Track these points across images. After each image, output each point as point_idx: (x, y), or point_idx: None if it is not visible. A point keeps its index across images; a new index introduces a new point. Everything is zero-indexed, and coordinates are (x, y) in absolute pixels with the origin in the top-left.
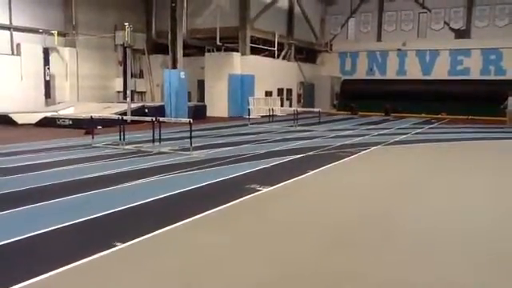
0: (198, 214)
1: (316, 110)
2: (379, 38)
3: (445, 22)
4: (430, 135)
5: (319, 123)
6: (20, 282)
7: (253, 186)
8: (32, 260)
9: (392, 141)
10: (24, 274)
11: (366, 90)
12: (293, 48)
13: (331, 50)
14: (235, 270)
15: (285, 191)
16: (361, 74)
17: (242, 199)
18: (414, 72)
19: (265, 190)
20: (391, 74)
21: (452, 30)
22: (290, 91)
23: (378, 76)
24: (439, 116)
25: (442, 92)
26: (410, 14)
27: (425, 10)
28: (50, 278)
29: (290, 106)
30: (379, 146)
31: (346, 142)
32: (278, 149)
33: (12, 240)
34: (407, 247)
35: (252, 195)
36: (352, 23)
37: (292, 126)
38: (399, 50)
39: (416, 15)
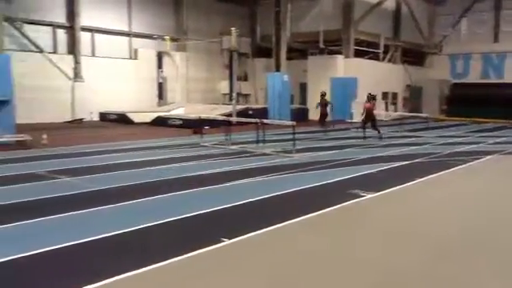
0: (300, 216)
1: (423, 115)
2: (496, 39)
3: None
4: None
5: (427, 129)
6: (129, 272)
7: (356, 191)
8: (142, 250)
9: (511, 150)
10: (134, 264)
11: (480, 94)
12: (399, 50)
13: (441, 51)
14: (333, 273)
15: (390, 198)
16: (474, 77)
17: (344, 204)
18: None
19: (369, 196)
20: (509, 77)
21: None
22: (395, 95)
23: (493, 80)
24: None
25: None
26: None
27: None
28: (157, 269)
29: (396, 110)
30: (495, 155)
31: (457, 150)
32: (382, 154)
33: (124, 231)
34: None
35: (355, 200)
36: (464, 23)
37: (398, 132)
38: None
39: None
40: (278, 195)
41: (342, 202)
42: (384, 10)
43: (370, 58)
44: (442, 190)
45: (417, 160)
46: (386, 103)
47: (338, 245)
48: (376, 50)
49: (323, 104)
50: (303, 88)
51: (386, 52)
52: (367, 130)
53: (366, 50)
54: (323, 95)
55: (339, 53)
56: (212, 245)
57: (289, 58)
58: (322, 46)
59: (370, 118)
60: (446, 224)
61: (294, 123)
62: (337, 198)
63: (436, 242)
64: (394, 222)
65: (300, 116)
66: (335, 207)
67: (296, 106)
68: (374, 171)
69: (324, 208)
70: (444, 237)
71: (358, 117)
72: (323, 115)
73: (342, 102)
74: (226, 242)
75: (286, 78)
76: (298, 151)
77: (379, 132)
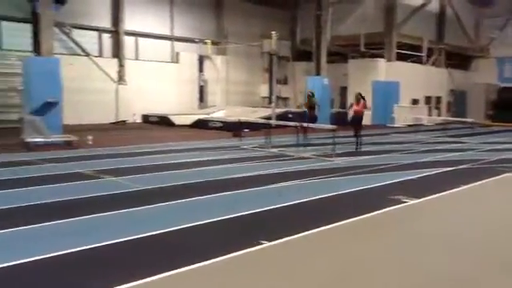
0: (341, 220)
1: (469, 120)
2: None
3: None
4: None
5: (472, 135)
6: (163, 272)
7: (397, 197)
8: (178, 252)
9: None
10: (169, 265)
11: None
12: (443, 53)
13: (488, 55)
14: (376, 277)
15: (433, 205)
16: None
17: (385, 210)
18: None
19: (411, 202)
20: None
21: None
22: (438, 99)
23: None
24: None
25: None
26: None
27: None
28: (194, 270)
29: (439, 115)
30: None
31: (504, 157)
32: (425, 160)
33: (166, 230)
34: None
35: (397, 206)
36: None
37: (441, 137)
38: None
39: None
40: (318, 199)
41: (384, 207)
42: (427, 12)
43: (412, 62)
44: (487, 197)
45: (462, 166)
46: (430, 108)
47: (379, 250)
48: (419, 54)
49: (311, 106)
50: (343, 92)
51: (429, 55)
52: (408, 134)
53: (409, 54)
54: (310, 96)
55: (381, 56)
56: (251, 247)
57: (329, 62)
58: (362, 49)
59: (355, 122)
60: (491, 232)
61: (335, 127)
62: (378, 203)
63: (483, 249)
64: (437, 229)
65: (340, 120)
66: (377, 212)
67: (336, 109)
68: (416, 177)
69: (365, 213)
70: (491, 245)
71: (399, 121)
72: (311, 119)
73: (383, 107)
74: (266, 244)
75: (325, 81)
76: (339, 155)
77: (358, 145)
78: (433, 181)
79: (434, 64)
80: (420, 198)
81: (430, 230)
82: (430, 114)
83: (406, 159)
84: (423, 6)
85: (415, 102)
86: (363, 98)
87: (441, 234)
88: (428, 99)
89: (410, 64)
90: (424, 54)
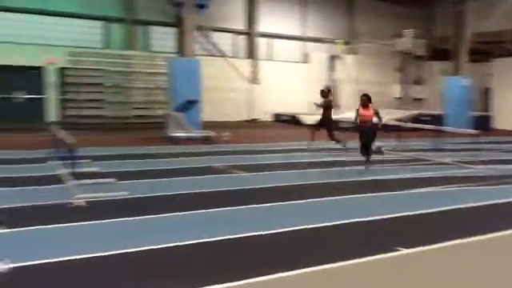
0: (480, 234)
1: None
2: None
3: None
4: None
5: None
6: (291, 270)
7: None
8: (307, 251)
9: None
10: (297, 263)
11: None
12: None
13: None
14: None
15: None
16: None
17: None
18: None
19: None
20: None
21: None
22: None
23: None
24: None
25: None
26: None
27: None
28: (322, 271)
29: None
30: None
31: None
32: None
33: (289, 229)
34: None
35: None
36: None
37: None
38: None
39: None
40: (457, 208)
41: None
42: None
43: None
44: None
45: None
46: None
47: None
48: None
49: (326, 106)
50: (487, 93)
51: None
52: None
53: None
54: (325, 91)
55: None
56: (386, 253)
57: (471, 61)
58: (510, 46)
59: (360, 132)
60: None
61: (476, 132)
62: None
63: None
64: None
65: (481, 124)
66: None
67: (477, 113)
68: None
69: (507, 229)
70: None
71: None
72: (325, 120)
73: None
74: (402, 251)
75: (465, 82)
76: (481, 163)
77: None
78: None
79: None
80: None
81: None
82: None
83: None
84: None
85: None
86: (368, 98)
87: None
88: None
89: None
90: None
